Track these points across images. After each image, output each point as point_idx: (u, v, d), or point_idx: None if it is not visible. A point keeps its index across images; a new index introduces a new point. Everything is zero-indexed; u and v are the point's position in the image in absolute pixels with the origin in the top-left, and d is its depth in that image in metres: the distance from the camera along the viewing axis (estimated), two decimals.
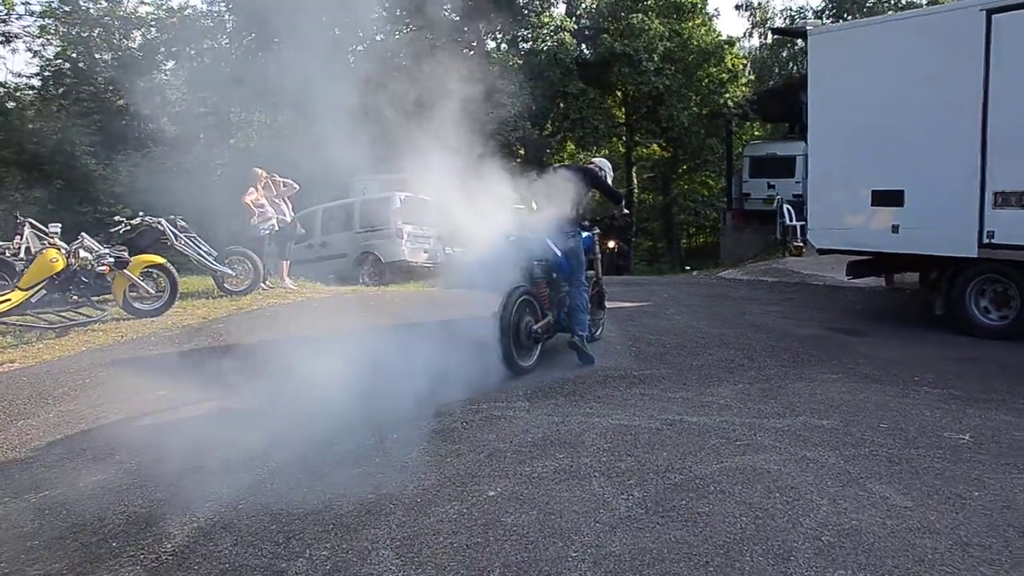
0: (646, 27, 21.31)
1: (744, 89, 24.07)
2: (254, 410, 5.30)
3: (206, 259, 11.03)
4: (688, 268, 31.17)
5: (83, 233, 9.15)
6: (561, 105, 22.32)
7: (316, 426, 4.75)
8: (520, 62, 22.26)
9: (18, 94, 25.28)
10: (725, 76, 23.09)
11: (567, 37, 22.34)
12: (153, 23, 29.65)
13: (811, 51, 9.22)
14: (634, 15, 21.97)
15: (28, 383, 6.42)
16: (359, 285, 14.63)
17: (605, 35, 22.73)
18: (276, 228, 11.96)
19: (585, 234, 6.95)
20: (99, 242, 10.35)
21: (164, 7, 29.21)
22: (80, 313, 8.89)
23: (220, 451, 4.37)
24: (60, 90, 25.32)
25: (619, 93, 24.00)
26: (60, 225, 8.86)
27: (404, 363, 5.70)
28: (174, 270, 9.63)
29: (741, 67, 24.15)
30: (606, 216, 7.38)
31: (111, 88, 26.60)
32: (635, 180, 31.37)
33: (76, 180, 18.94)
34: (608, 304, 7.56)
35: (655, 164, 33.40)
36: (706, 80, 22.94)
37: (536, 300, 6.22)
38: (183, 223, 11.09)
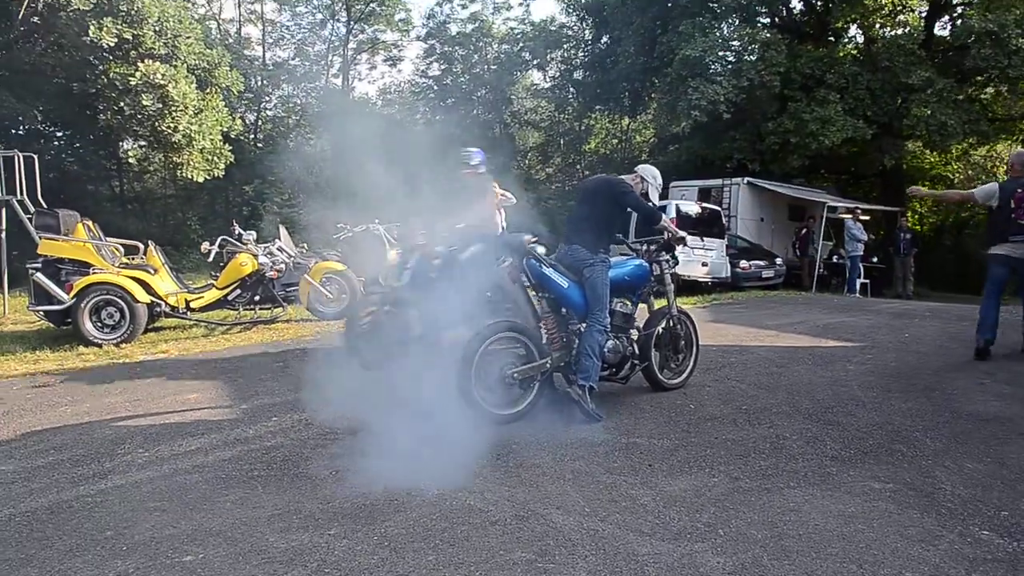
0: None
1: None
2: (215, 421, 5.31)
3: None
4: None
5: (277, 239, 9.99)
6: (900, 101, 18.88)
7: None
8: (855, 52, 19.34)
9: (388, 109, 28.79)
10: None
11: (912, 18, 18.87)
12: (519, 38, 31.55)
13: None
14: None
15: (127, 373, 7.16)
16: None
17: (969, 9, 18.71)
18: None
19: (635, 262, 5.69)
20: (312, 247, 11.29)
21: (526, 21, 31.00)
22: (269, 311, 9.80)
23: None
24: (424, 107, 28.56)
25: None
26: (255, 233, 9.70)
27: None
28: (354, 277, 10.05)
29: None
30: (652, 239, 5.90)
31: (473, 98, 29.15)
32: None
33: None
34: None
35: None
36: None
37: (530, 339, 5.19)
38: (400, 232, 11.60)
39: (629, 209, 5.53)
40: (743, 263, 16.45)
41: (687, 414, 5.39)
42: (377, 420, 5.03)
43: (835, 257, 18.43)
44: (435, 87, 29.75)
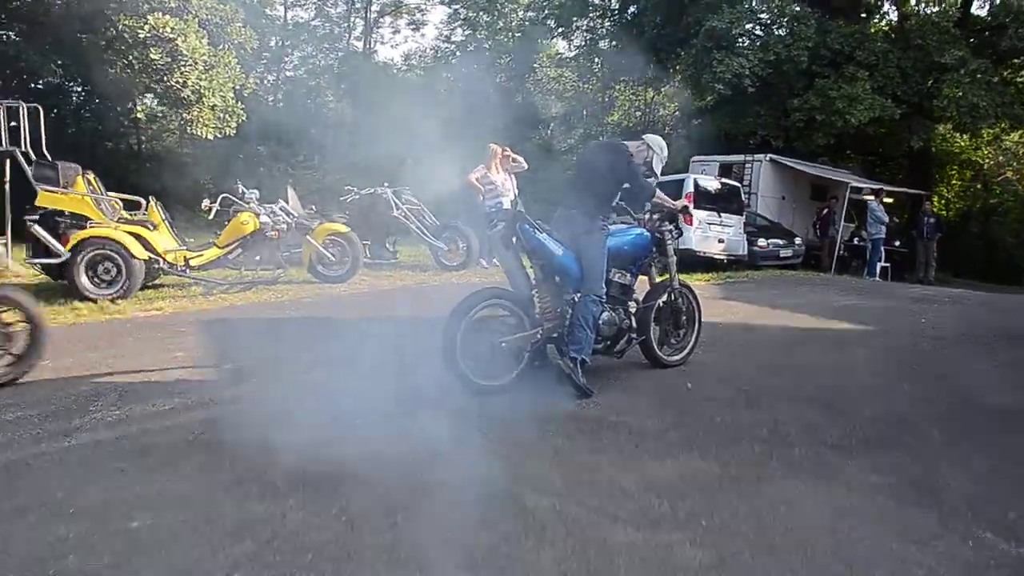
0: None
1: None
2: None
3: (421, 232, 11.21)
4: None
5: (280, 199, 9.77)
6: (931, 81, 18.27)
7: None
8: (885, 28, 18.73)
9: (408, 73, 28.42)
10: None
11: None
12: (545, 5, 30.88)
13: None
14: None
15: (118, 329, 7.03)
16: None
17: None
18: (503, 206, 11.62)
19: (636, 231, 5.42)
20: (322, 209, 11.07)
21: None
22: (271, 271, 9.62)
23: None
24: (446, 74, 28.14)
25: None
26: (257, 192, 9.47)
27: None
28: (357, 239, 9.86)
29: None
30: (658, 208, 5.61)
31: (497, 64, 28.71)
32: None
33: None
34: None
35: None
36: None
37: (521, 307, 4.96)
38: (409, 196, 11.39)
39: (626, 184, 5.22)
40: (761, 241, 16.07)
41: (683, 393, 5.15)
42: (360, 388, 4.86)
43: (856, 239, 17.99)
44: (458, 53, 29.35)
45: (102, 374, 5.48)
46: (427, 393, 4.77)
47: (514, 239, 4.96)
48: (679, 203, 5.58)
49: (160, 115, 18.87)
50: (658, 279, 5.80)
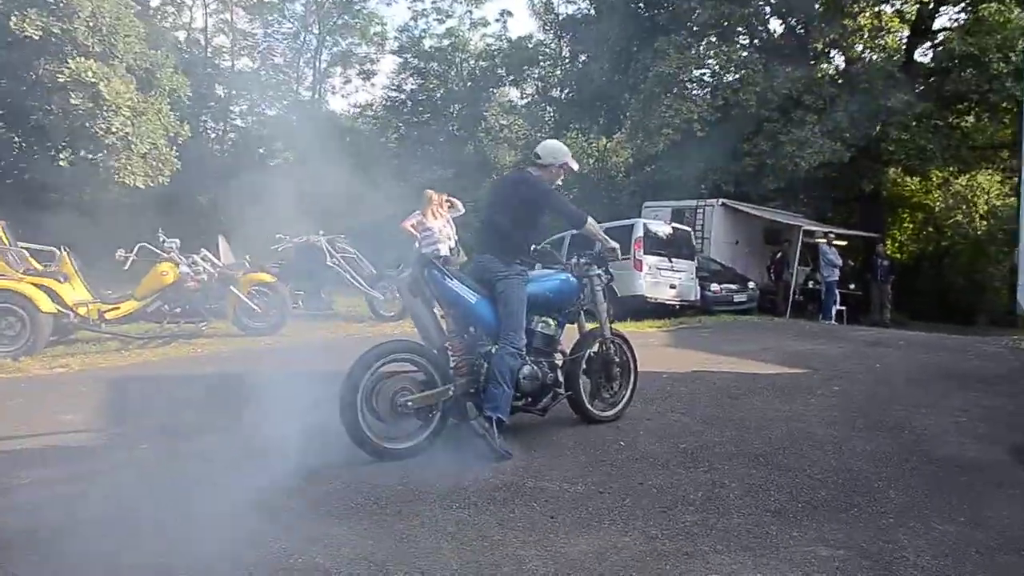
0: (1002, 20, 16.49)
1: None
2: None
3: (356, 281, 10.70)
4: None
5: (203, 248, 9.22)
6: (879, 124, 18.36)
7: None
8: (832, 73, 18.86)
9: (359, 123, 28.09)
10: None
11: (892, 40, 18.38)
12: (496, 54, 30.95)
13: None
14: (987, 5, 17.13)
15: (10, 389, 6.42)
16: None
17: (949, 32, 18.23)
18: (440, 253, 11.17)
19: (561, 276, 4.97)
20: (255, 258, 10.50)
21: (503, 37, 30.49)
22: (197, 325, 9.04)
23: None
24: (397, 123, 27.86)
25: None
26: (178, 241, 8.91)
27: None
28: (285, 290, 9.32)
29: None
30: (586, 252, 5.18)
31: (447, 114, 28.55)
32: None
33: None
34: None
35: None
36: None
37: (430, 362, 4.45)
38: (343, 244, 10.89)
39: (551, 211, 4.79)
40: (714, 286, 15.76)
41: (613, 453, 4.65)
42: (250, 456, 4.32)
43: (811, 283, 17.82)
44: (409, 102, 29.12)
45: None
46: (325, 458, 4.23)
47: (424, 287, 4.47)
48: (612, 242, 5.08)
49: (99, 164, 18.18)
50: (588, 327, 5.33)
